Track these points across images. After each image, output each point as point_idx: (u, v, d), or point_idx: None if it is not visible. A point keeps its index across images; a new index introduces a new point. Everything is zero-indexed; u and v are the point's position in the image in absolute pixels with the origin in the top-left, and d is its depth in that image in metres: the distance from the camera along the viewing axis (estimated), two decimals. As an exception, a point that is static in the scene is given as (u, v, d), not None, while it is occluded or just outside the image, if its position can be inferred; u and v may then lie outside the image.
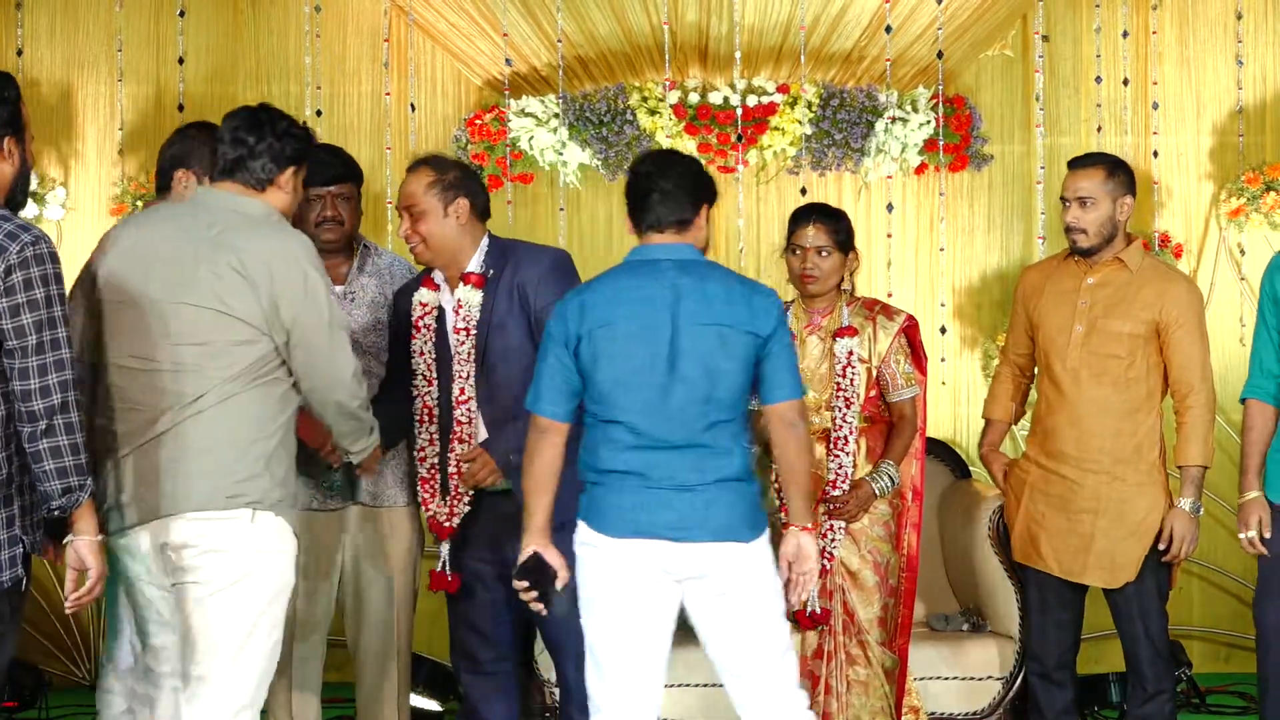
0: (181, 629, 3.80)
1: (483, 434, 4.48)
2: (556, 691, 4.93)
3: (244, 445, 3.76)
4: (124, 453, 3.80)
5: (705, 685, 5.27)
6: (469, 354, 4.44)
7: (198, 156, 4.38)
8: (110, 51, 6.60)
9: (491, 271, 4.46)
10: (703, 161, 6.20)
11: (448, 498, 4.52)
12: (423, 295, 4.53)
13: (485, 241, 4.53)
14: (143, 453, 3.78)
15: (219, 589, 3.76)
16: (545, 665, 5.27)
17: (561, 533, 3.92)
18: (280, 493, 3.84)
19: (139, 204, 6.43)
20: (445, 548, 4.58)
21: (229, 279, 3.75)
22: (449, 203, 4.43)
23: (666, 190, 3.91)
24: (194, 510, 3.73)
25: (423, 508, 4.64)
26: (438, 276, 4.56)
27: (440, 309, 4.54)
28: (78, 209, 6.67)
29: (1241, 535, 4.70)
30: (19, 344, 3.44)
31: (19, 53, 6.54)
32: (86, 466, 3.54)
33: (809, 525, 3.94)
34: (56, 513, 3.53)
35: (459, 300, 4.47)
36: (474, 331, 4.45)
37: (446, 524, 4.53)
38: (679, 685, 5.28)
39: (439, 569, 4.59)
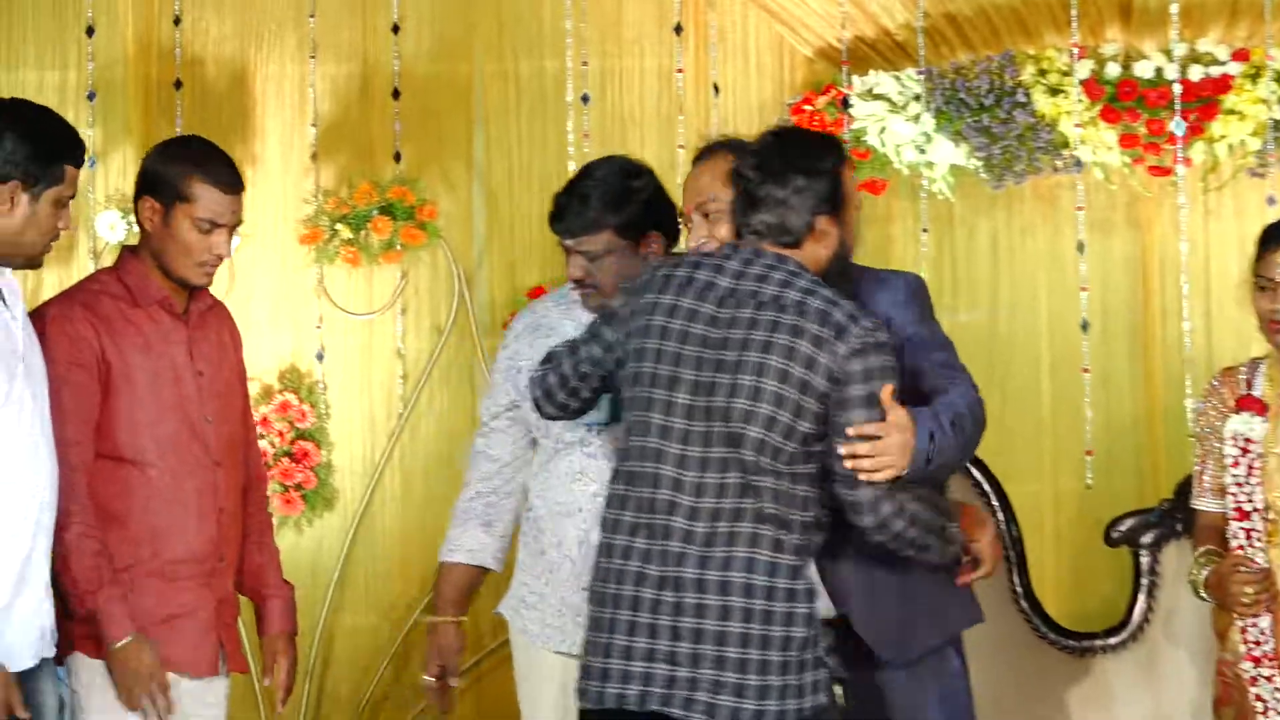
0: None
1: None
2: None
3: None
4: None
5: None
6: None
7: None
8: (300, 18, 5.90)
9: None
10: (1128, 160, 5.93)
11: None
12: None
13: None
14: None
15: None
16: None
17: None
18: None
19: (337, 228, 5.77)
20: None
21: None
22: None
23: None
24: None
25: None
26: None
27: None
28: (255, 235, 5.83)
29: None
30: None
31: (176, 21, 5.84)
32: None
33: None
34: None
35: None
36: None
37: None
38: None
39: None
